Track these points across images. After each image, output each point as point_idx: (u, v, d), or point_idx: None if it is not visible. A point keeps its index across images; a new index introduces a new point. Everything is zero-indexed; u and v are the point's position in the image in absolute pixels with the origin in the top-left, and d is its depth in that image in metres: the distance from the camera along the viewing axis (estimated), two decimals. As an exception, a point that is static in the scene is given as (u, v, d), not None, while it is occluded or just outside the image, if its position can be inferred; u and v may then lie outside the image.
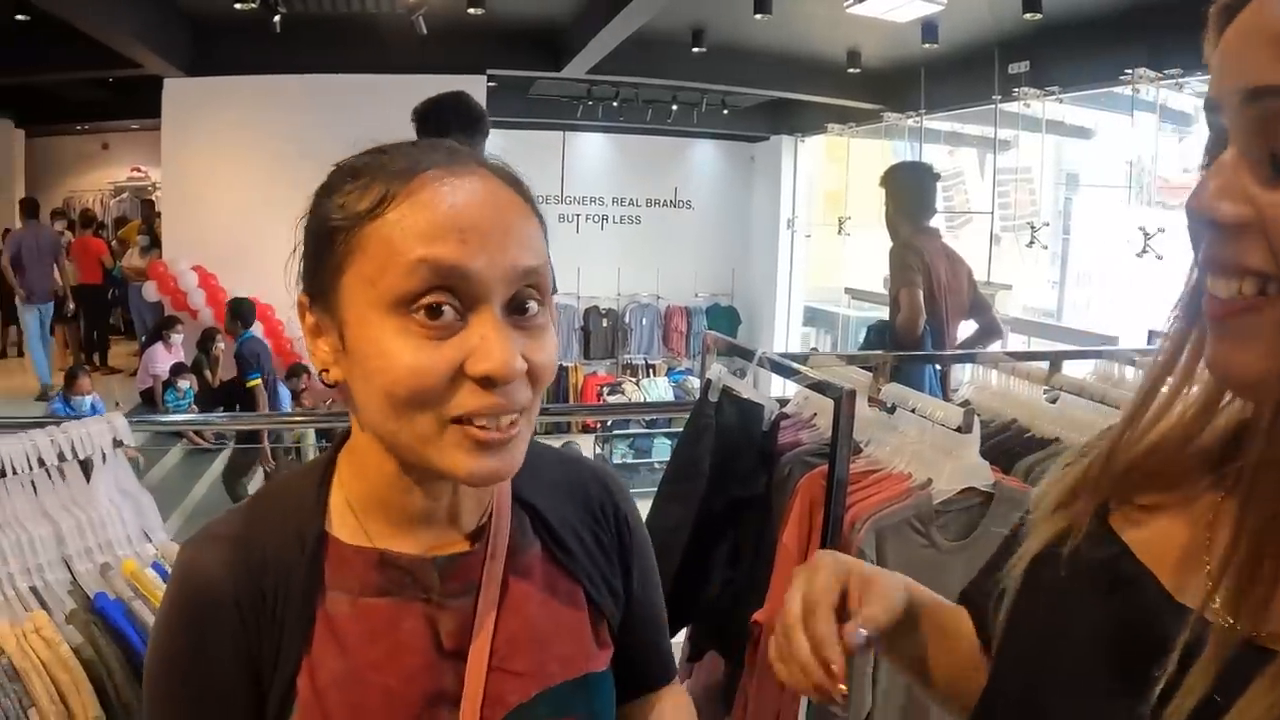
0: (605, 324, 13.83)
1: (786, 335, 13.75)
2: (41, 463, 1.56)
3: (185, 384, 8.61)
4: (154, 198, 14.11)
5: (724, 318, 14.04)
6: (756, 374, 2.31)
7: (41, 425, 1.64)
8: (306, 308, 0.91)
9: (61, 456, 1.57)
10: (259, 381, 8.09)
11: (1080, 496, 0.79)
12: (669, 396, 12.89)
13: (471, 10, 8.02)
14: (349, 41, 9.09)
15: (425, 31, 8.15)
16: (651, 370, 14.05)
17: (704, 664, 2.36)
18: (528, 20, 9.29)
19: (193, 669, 0.89)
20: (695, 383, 2.79)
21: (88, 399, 7.82)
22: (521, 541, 1.00)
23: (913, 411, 2.03)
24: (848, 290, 12.79)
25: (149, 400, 9.05)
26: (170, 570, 0.96)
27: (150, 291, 9.86)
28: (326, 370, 0.90)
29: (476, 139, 3.20)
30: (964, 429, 1.89)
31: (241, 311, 8.44)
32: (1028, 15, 7.17)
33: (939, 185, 4.41)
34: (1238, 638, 0.61)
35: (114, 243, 12.86)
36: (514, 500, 1.02)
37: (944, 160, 10.62)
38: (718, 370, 2.28)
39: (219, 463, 8.19)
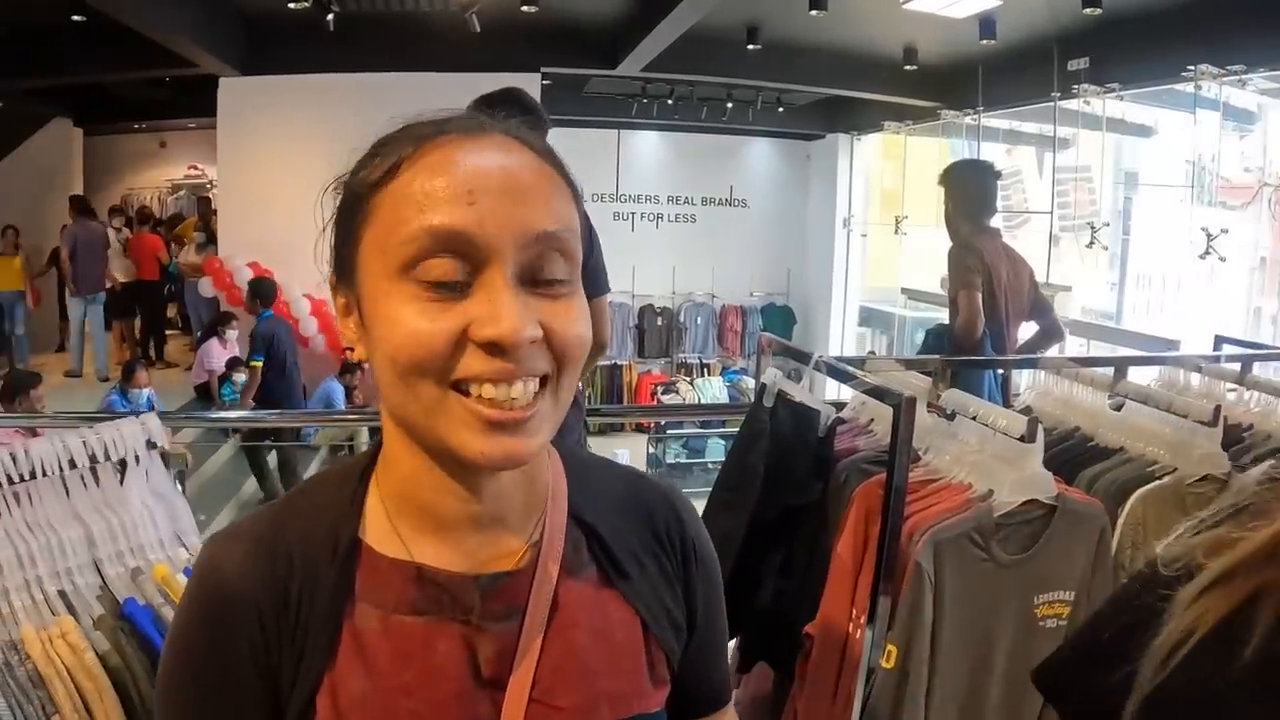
0: (660, 323, 13.88)
1: (842, 336, 13.71)
2: (73, 464, 1.54)
3: (241, 378, 8.69)
4: (210, 195, 14.33)
5: (779, 317, 14.02)
6: (812, 378, 2.24)
7: (102, 419, 1.62)
8: (334, 286, 0.88)
9: (94, 458, 1.55)
10: (260, 364, 8.07)
11: (1246, 572, 0.64)
12: (723, 396, 12.88)
13: (525, 8, 8.02)
14: (403, 40, 9.16)
15: (479, 29, 8.15)
16: (706, 370, 14.04)
17: (753, 674, 2.31)
18: (581, 18, 9.28)
19: (204, 669, 0.85)
20: (750, 383, 2.73)
21: (144, 392, 7.94)
22: (575, 563, 0.93)
23: (973, 419, 1.96)
24: (904, 291, 12.68)
25: (204, 395, 9.15)
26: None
27: (206, 287, 10.03)
28: (351, 349, 0.87)
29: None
30: (1027, 438, 1.82)
31: (262, 290, 8.45)
32: (1087, 10, 7.06)
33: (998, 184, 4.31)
34: None
35: (170, 239, 13.06)
36: (570, 518, 0.95)
37: (1002, 159, 10.48)
38: (773, 375, 2.22)
39: (271, 458, 8.24)
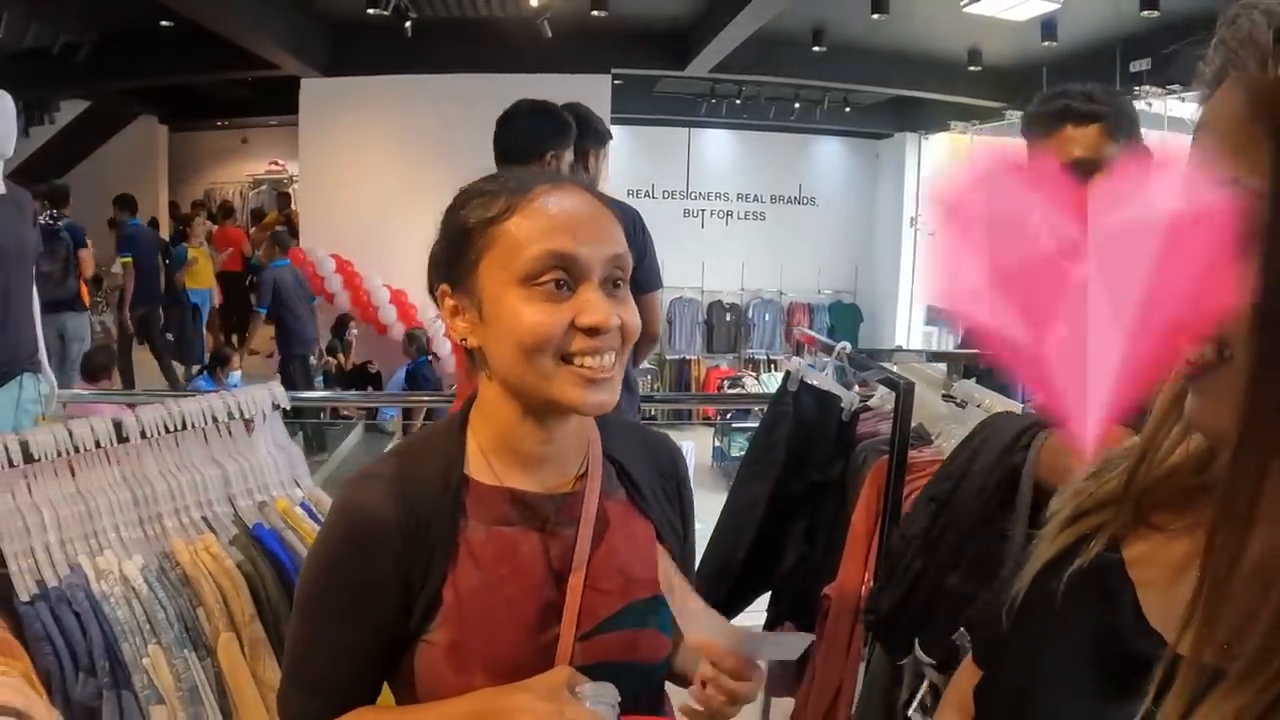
0: (728, 318, 13.84)
1: (908, 333, 13.49)
2: (214, 419, 1.90)
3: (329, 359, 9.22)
4: (290, 190, 14.75)
5: (846, 315, 14.00)
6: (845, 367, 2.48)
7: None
8: (448, 294, 1.20)
9: (230, 415, 1.93)
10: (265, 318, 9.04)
11: (1094, 513, 0.82)
12: (789, 392, 12.81)
13: (595, 12, 8.23)
14: (477, 43, 9.36)
15: (550, 34, 8.39)
16: (773, 365, 13.98)
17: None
18: (651, 20, 9.45)
19: (353, 575, 1.16)
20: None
21: (235, 374, 8.48)
22: (610, 487, 1.28)
23: (978, 407, 2.18)
24: (969, 291, 12.54)
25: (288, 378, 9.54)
26: (331, 506, 1.25)
27: (288, 277, 10.37)
28: (464, 340, 1.19)
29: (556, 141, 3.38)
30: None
31: (280, 240, 9.42)
32: (1145, 13, 7.11)
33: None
34: (1207, 671, 0.63)
35: (252, 232, 13.50)
36: (605, 456, 1.29)
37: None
38: (796, 364, 2.47)
39: (352, 437, 8.78)
